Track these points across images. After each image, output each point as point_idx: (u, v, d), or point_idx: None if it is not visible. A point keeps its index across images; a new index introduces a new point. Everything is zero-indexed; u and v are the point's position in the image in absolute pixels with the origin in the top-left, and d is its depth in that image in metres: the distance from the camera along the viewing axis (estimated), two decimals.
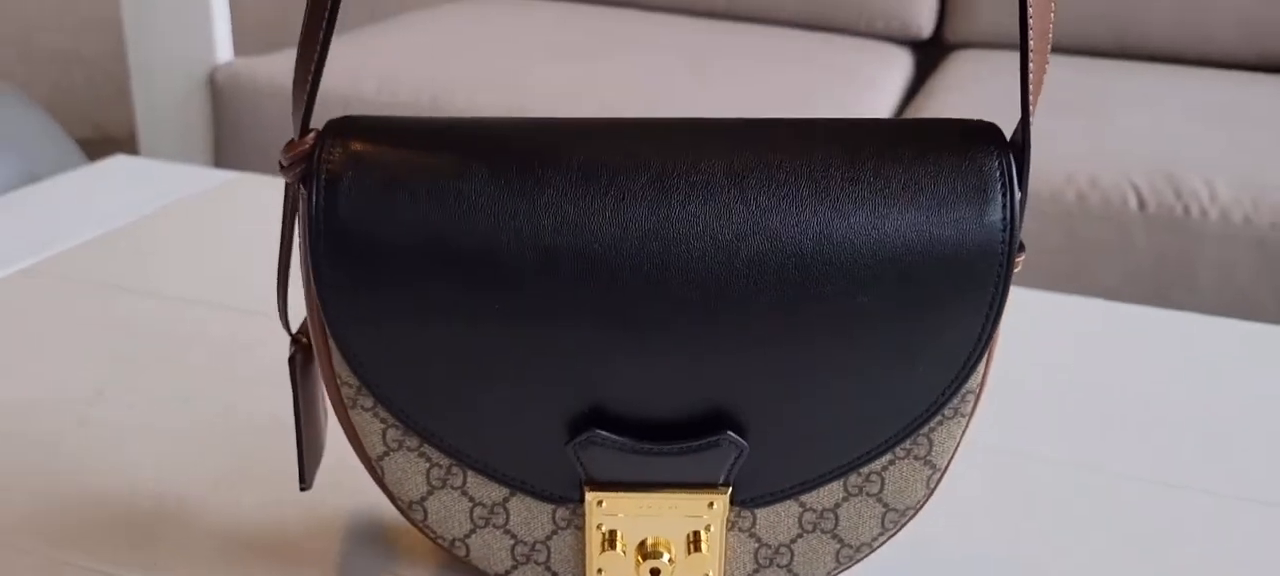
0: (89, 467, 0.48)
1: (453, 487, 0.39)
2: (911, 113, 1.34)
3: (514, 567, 0.40)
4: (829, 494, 0.39)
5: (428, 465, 0.39)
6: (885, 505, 0.39)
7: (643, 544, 0.39)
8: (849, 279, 0.35)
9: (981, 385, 0.38)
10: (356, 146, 0.36)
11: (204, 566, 0.42)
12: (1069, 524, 0.47)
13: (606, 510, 0.38)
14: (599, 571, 0.39)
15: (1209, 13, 1.60)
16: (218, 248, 0.72)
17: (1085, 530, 0.47)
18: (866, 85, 1.43)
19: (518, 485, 0.39)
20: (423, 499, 0.39)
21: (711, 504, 0.38)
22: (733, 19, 1.81)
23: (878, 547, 0.40)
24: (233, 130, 1.34)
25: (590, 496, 0.38)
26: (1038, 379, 0.59)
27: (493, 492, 0.39)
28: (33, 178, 1.02)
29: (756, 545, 0.39)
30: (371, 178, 0.36)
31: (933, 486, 0.39)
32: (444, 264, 0.35)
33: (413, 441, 0.38)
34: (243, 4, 2.34)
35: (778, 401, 0.37)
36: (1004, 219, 0.35)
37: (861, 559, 0.40)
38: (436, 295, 0.36)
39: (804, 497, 0.39)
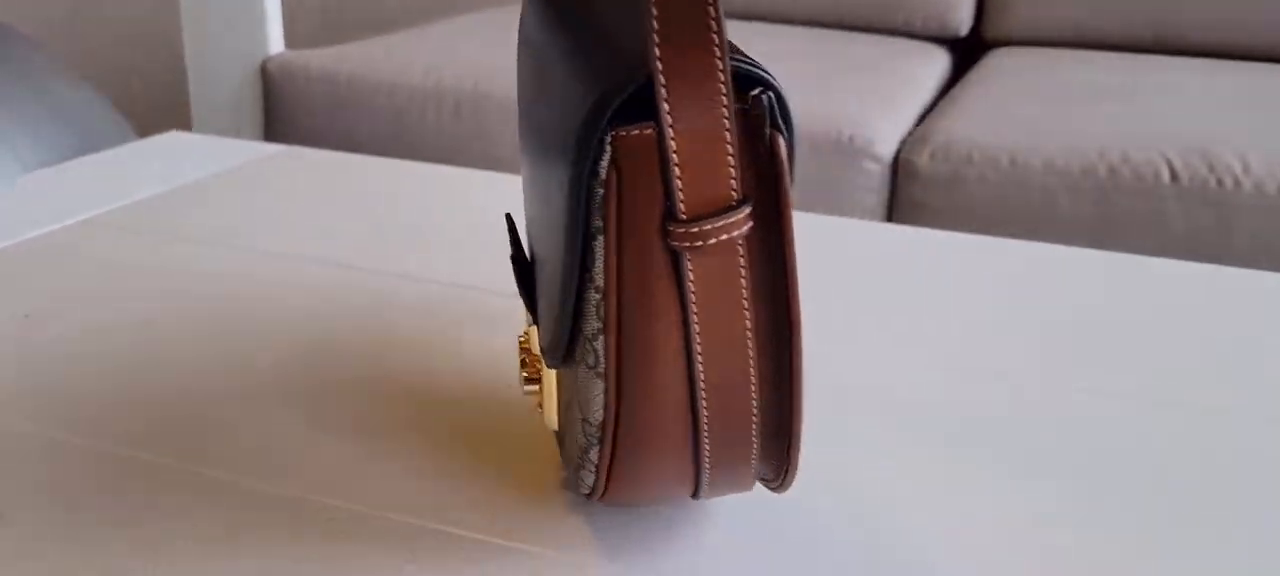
0: (139, 382, 0.51)
1: None
2: (944, 110, 1.35)
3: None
4: (577, 370, 0.36)
5: None
6: (581, 407, 0.35)
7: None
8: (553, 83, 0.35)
9: (609, 352, 0.32)
10: None
11: (255, 456, 0.45)
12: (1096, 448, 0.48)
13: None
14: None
15: (1244, 9, 1.60)
16: (268, 207, 0.75)
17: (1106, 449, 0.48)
18: (902, 81, 1.45)
19: None
20: None
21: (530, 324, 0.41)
22: (774, 21, 1.83)
23: (592, 459, 0.35)
24: (283, 117, 1.38)
25: None
26: (1074, 320, 0.60)
27: None
28: (90, 152, 1.06)
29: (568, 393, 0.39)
30: None
31: (607, 408, 0.34)
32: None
33: None
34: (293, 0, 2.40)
35: (533, 243, 0.40)
36: (602, 125, 0.30)
37: (592, 453, 0.36)
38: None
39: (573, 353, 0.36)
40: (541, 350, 0.38)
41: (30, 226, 0.70)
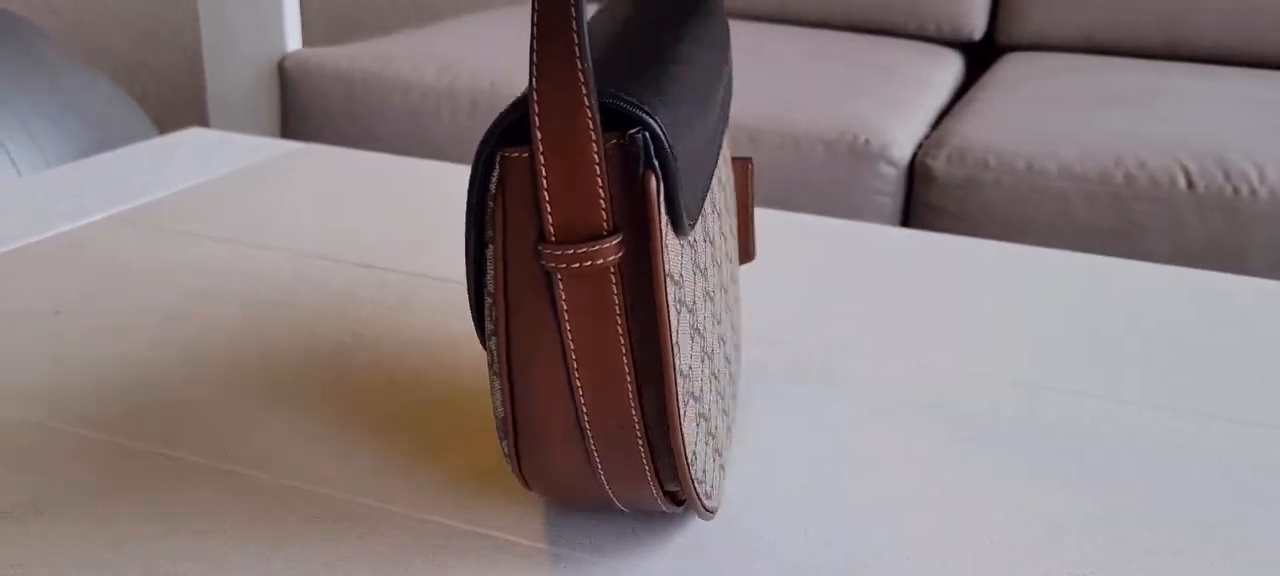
0: (167, 378, 0.51)
1: None
2: (959, 114, 1.35)
3: None
4: None
5: None
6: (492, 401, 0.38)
7: None
8: None
9: (500, 354, 0.34)
10: None
11: (281, 452, 0.45)
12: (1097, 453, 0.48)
13: None
14: None
15: (1258, 16, 1.59)
16: (287, 204, 0.75)
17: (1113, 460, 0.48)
18: (917, 85, 1.45)
19: None
20: None
21: None
22: (785, 22, 1.83)
23: (505, 451, 0.37)
24: (299, 115, 1.38)
25: None
26: (1085, 330, 0.60)
27: None
28: (110, 147, 1.06)
29: None
30: None
31: (503, 405, 0.36)
32: None
33: None
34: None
35: None
36: None
37: (504, 446, 0.38)
38: None
39: None
40: None
41: (58, 222, 0.70)
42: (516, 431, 0.36)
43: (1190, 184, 1.09)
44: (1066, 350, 0.56)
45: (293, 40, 1.41)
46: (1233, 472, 0.46)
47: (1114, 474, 0.46)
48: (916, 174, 1.21)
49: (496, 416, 0.36)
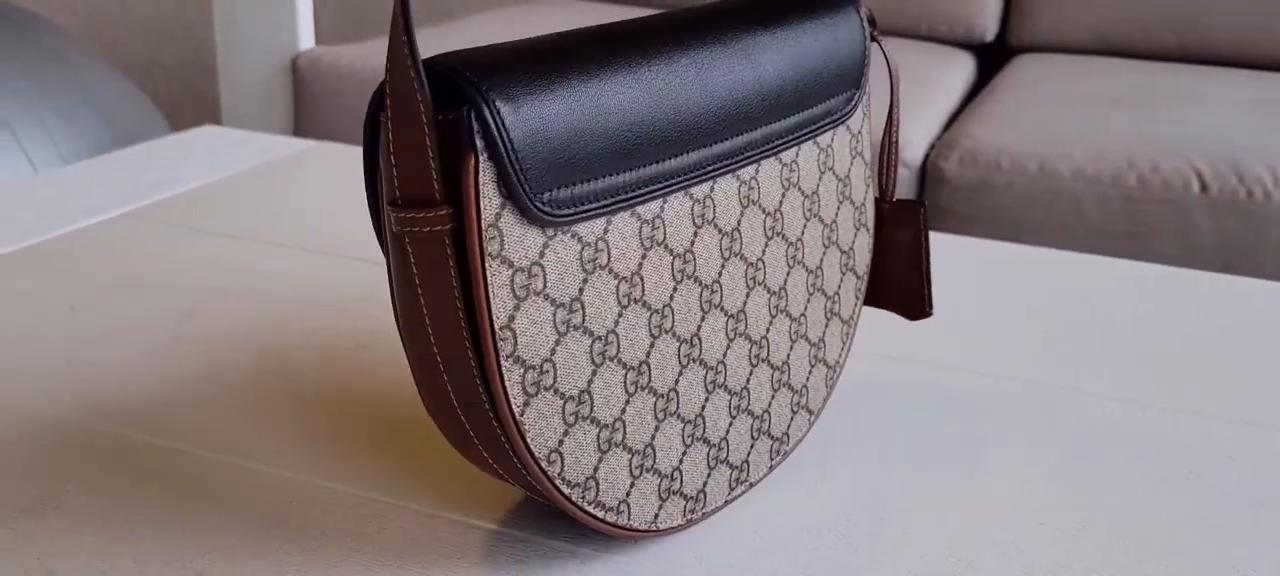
0: (184, 375, 0.52)
1: None
2: (971, 115, 1.35)
3: None
4: None
5: None
6: None
7: None
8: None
9: (393, 303, 0.37)
10: None
11: (298, 449, 0.45)
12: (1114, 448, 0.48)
13: None
14: None
15: (1272, 17, 1.59)
16: (300, 201, 0.75)
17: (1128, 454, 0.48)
18: (929, 86, 1.45)
19: None
20: None
21: None
22: None
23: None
24: (312, 113, 1.39)
25: None
26: (1098, 328, 0.60)
27: None
28: (124, 143, 1.07)
29: None
30: None
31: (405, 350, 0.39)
32: None
33: None
34: None
35: None
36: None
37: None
38: None
39: None
40: None
41: (72, 219, 0.70)
42: (422, 391, 0.36)
43: (1203, 186, 1.09)
44: (1078, 352, 0.56)
45: (305, 39, 1.41)
46: (1244, 474, 0.46)
47: (1124, 475, 0.46)
48: (928, 175, 1.21)
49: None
